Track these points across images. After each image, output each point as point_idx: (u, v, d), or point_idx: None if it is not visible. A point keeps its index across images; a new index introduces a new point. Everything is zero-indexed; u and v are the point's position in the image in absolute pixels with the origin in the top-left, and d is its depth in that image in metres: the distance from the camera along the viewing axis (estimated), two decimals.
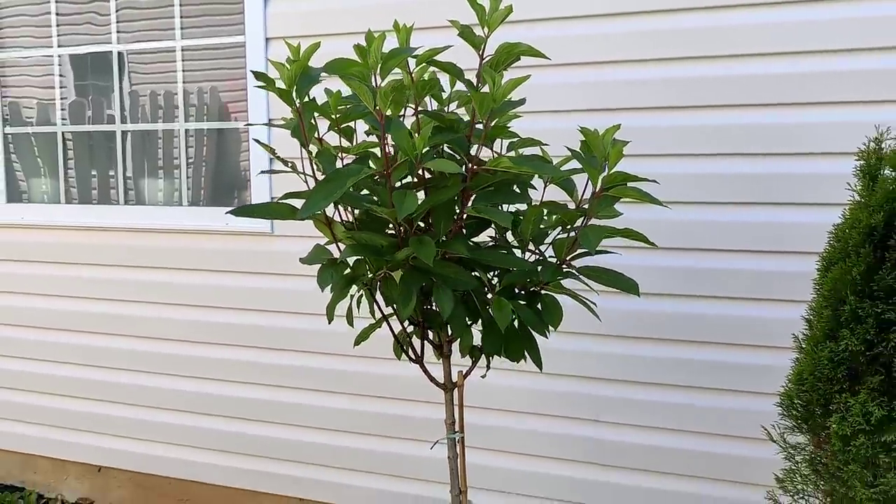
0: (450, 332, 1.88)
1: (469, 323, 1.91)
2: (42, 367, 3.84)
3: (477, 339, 1.92)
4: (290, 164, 1.95)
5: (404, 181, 1.89)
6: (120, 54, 3.61)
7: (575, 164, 1.89)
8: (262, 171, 2.09)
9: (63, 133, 3.79)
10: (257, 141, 1.91)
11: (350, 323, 1.90)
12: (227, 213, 1.82)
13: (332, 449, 3.32)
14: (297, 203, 1.78)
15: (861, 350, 1.92)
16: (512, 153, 2.11)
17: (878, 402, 1.89)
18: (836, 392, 1.97)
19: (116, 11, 3.60)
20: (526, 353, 1.86)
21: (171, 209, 3.58)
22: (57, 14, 3.72)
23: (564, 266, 1.86)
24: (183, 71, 3.53)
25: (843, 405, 1.94)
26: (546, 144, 2.08)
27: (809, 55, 2.53)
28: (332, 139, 1.97)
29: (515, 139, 2.07)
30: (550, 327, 1.81)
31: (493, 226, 1.95)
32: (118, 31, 3.60)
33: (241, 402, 3.46)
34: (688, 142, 2.69)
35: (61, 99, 3.77)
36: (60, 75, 3.75)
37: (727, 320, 2.70)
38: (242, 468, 3.49)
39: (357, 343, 1.99)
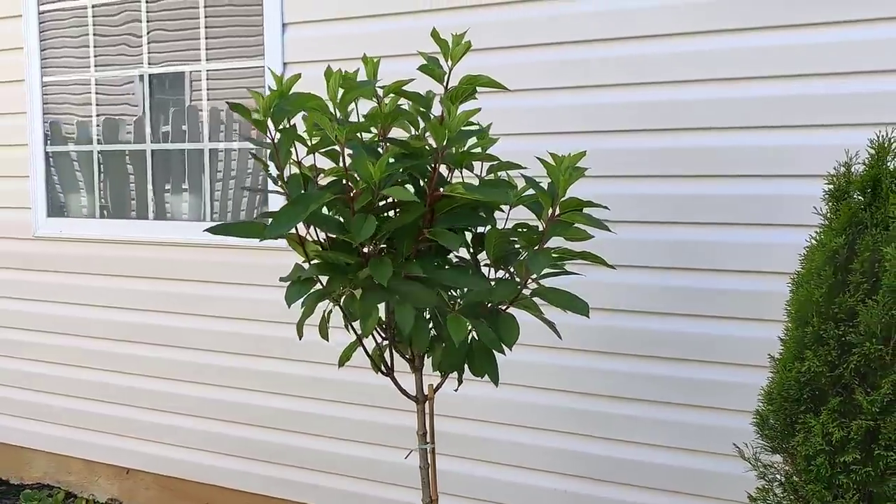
0: (412, 347, 1.97)
1: (441, 340, 2.00)
2: (77, 373, 4.03)
3: None
4: (280, 184, 2.07)
5: (381, 203, 1.99)
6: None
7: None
8: (250, 189, 2.20)
9: (99, 151, 4.00)
10: (253, 155, 2.02)
11: (324, 336, 2.01)
12: (203, 231, 1.94)
13: (349, 458, 3.42)
14: None
15: (823, 371, 1.95)
16: (492, 176, 2.20)
17: (837, 424, 1.92)
18: (801, 412, 2.01)
19: (148, 33, 3.80)
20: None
21: (198, 224, 3.74)
22: (94, 35, 3.94)
23: (528, 285, 1.93)
24: (208, 90, 3.70)
25: (806, 425, 1.97)
26: (525, 168, 2.16)
27: (783, 79, 2.57)
28: (323, 161, 2.09)
29: (495, 162, 2.16)
30: (506, 344, 1.88)
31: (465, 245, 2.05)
32: (149, 53, 3.80)
33: (261, 411, 3.58)
34: (659, 163, 2.76)
35: (97, 116, 3.98)
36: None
37: (705, 338, 2.75)
38: (260, 474, 3.61)
39: (341, 364, 2.09)
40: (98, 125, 3.98)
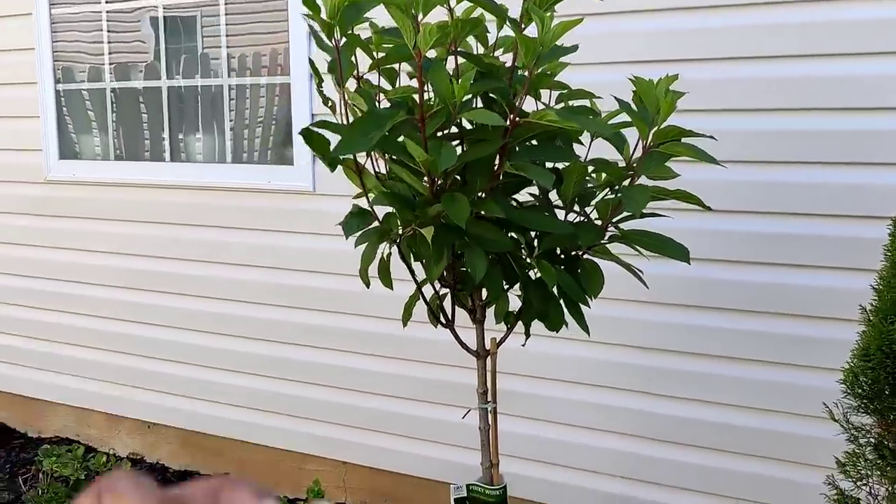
0: (483, 296, 1.77)
1: (506, 287, 1.80)
2: (96, 323, 3.85)
3: (513, 304, 1.81)
4: (329, 104, 1.84)
5: (446, 131, 1.77)
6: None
7: (625, 117, 1.76)
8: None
9: (113, 89, 3.77)
10: (311, 61, 1.78)
11: (386, 284, 1.80)
12: None
13: (382, 413, 3.25)
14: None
15: None
16: (561, 105, 1.98)
17: None
18: None
19: None
20: (570, 320, 1.73)
21: (216, 166, 3.52)
22: None
23: (609, 229, 1.73)
24: (227, 25, 3.45)
25: None
26: (599, 97, 1.93)
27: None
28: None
29: (564, 91, 1.93)
30: (590, 295, 1.68)
31: (534, 184, 1.83)
32: None
33: (286, 363, 3.42)
34: (755, 97, 2.51)
35: (110, 55, 3.74)
36: (110, 31, 3.72)
37: (794, 290, 2.53)
38: (287, 429, 3.46)
39: (405, 323, 1.88)
40: (111, 62, 3.74)
